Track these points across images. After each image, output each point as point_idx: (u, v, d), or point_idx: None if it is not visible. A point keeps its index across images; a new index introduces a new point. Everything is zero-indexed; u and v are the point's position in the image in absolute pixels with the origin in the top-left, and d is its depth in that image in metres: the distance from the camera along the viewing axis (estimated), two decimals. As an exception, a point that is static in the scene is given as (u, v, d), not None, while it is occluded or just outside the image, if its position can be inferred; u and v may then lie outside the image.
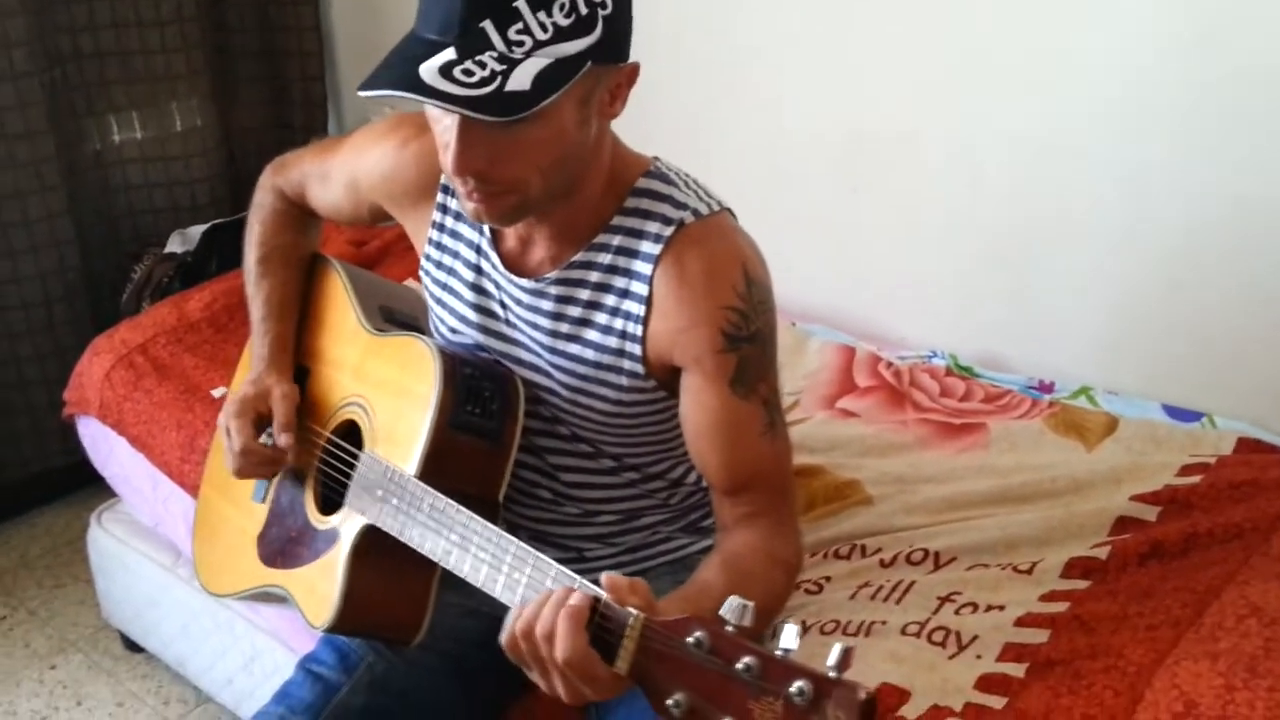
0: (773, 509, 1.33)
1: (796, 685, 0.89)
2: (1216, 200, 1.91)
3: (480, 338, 1.43)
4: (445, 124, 1.19)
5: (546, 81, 1.13)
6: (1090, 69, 1.98)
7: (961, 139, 2.16)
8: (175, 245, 2.77)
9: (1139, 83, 1.93)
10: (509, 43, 1.12)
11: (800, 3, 2.26)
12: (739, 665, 0.93)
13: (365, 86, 1.15)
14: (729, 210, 1.36)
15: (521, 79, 1.12)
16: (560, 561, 1.10)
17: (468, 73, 1.11)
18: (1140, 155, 1.96)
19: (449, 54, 1.12)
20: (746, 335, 1.29)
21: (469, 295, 1.43)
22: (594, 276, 1.33)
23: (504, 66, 1.12)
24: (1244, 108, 1.85)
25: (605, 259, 1.33)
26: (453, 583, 1.26)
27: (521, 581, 1.14)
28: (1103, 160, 2.01)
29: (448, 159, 1.19)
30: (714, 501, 1.37)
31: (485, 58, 1.12)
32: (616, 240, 1.32)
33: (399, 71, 1.14)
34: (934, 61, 2.14)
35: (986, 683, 1.45)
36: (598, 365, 1.35)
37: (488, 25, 1.12)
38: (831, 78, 2.28)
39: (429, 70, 1.12)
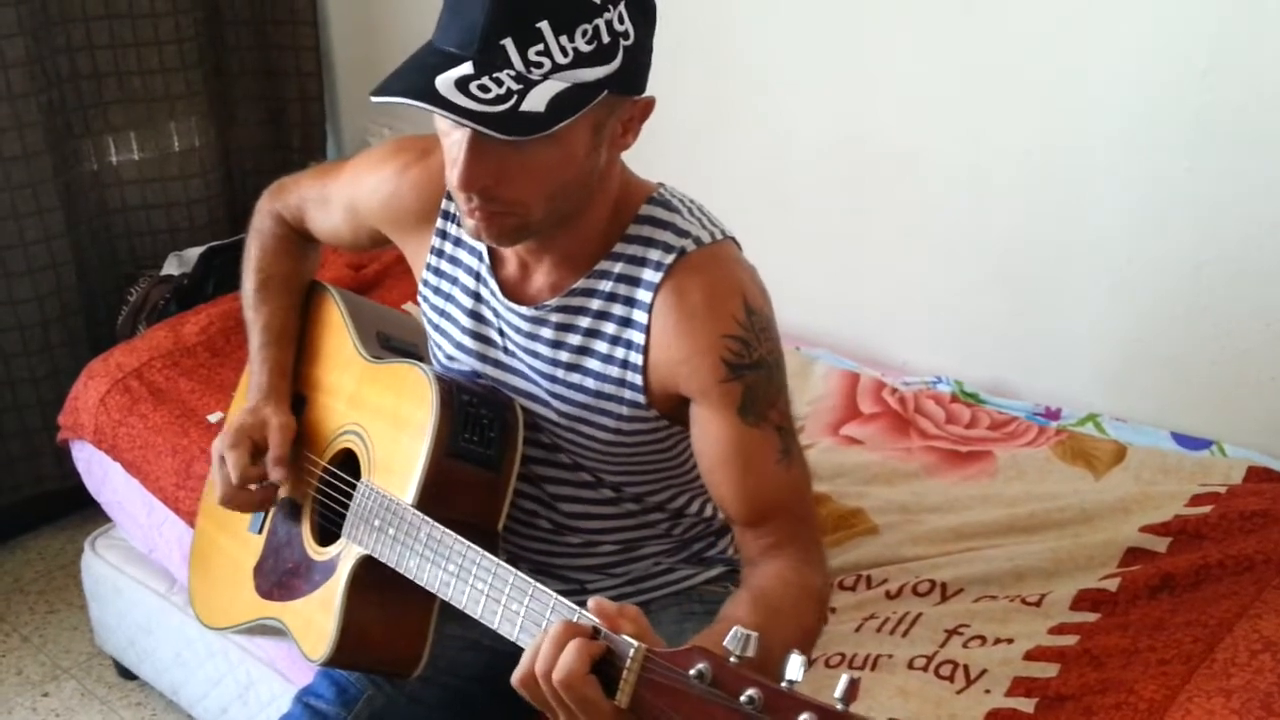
0: (796, 537, 1.30)
1: (802, 718, 0.88)
2: (1227, 225, 1.90)
3: (477, 365, 1.41)
4: (455, 138, 1.17)
5: (561, 106, 1.12)
6: (1101, 91, 1.96)
7: (967, 162, 2.14)
8: (172, 267, 2.75)
9: (1150, 107, 1.92)
10: (528, 63, 1.11)
11: (802, 22, 2.25)
12: (743, 698, 0.91)
13: (378, 92, 1.14)
14: (733, 239, 1.34)
15: (537, 101, 1.11)
16: (561, 593, 1.08)
17: (484, 89, 1.10)
18: (1150, 179, 1.95)
19: (466, 68, 1.11)
20: (750, 363, 1.27)
21: (466, 322, 1.41)
22: (595, 304, 1.31)
23: (520, 86, 1.11)
24: (1256, 133, 1.83)
25: (606, 286, 1.31)
26: (453, 615, 1.24)
27: (520, 613, 1.12)
28: (1112, 184, 1.99)
29: (454, 173, 1.18)
30: (736, 536, 1.34)
31: (502, 75, 1.11)
32: (618, 268, 1.30)
33: (414, 80, 1.12)
34: (940, 84, 2.13)
35: (995, 718, 1.42)
36: (598, 394, 1.33)
37: (508, 43, 1.11)
38: (835, 98, 2.26)
39: (445, 83, 1.10)
